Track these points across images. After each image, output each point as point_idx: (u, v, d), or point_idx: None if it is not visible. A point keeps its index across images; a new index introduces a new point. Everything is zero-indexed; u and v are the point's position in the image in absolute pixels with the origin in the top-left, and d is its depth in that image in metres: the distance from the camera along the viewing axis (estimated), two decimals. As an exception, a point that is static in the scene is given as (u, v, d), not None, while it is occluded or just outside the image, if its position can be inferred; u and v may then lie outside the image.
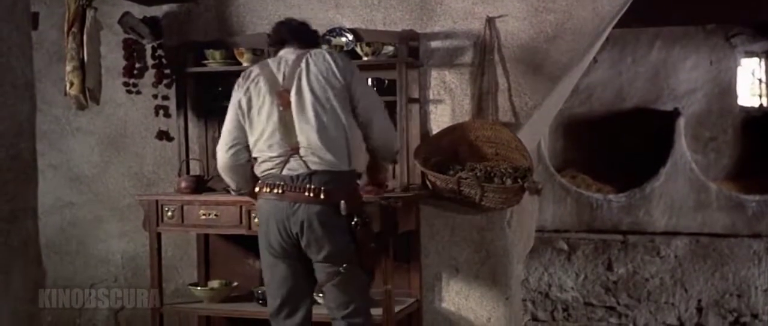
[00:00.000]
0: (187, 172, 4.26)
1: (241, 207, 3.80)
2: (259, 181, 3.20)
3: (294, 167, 3.10)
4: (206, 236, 4.35)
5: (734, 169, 8.60)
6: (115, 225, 4.67)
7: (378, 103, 3.30)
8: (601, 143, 8.52)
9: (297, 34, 3.33)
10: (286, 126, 3.12)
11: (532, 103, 4.00)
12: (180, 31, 4.43)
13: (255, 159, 3.22)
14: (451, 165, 3.87)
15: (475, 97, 4.02)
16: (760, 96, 8.93)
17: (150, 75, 4.46)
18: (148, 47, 4.44)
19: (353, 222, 3.10)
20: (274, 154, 3.13)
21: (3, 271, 1.69)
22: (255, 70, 3.26)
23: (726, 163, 8.67)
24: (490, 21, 3.96)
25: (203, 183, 4.15)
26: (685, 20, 7.98)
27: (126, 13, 4.32)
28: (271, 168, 3.14)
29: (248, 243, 4.01)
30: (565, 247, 7.78)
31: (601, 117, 8.69)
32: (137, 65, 4.49)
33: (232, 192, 3.50)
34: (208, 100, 4.28)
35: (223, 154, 3.27)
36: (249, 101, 3.19)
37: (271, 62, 3.25)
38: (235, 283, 4.21)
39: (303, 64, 3.16)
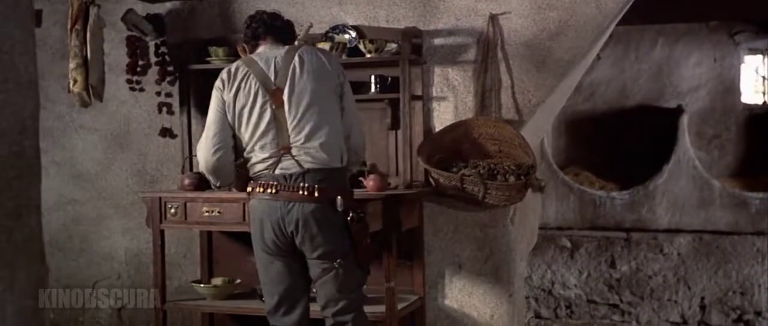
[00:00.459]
0: (191, 169, 4.25)
1: (244, 204, 3.78)
2: (252, 181, 3.18)
3: (287, 166, 3.09)
4: (209, 233, 4.35)
5: (738, 167, 8.60)
6: (118, 222, 4.68)
7: (356, 109, 3.31)
8: (605, 140, 8.52)
9: (273, 30, 3.28)
10: (279, 125, 3.10)
11: (535, 100, 3.99)
12: (183, 28, 4.43)
13: (247, 159, 3.19)
14: (454, 163, 3.87)
15: (478, 94, 4.01)
16: (764, 93, 8.92)
17: (153, 72, 4.45)
18: (151, 44, 4.44)
19: (349, 218, 3.10)
20: (267, 155, 3.11)
21: (7, 268, 1.68)
22: (242, 68, 3.18)
23: (729, 160, 8.67)
24: (493, 18, 3.96)
25: (206, 181, 4.13)
26: (689, 17, 7.97)
27: (129, 11, 4.31)
28: (264, 169, 3.12)
29: (251, 241, 4.00)
30: (569, 245, 7.78)
31: (604, 114, 8.69)
32: (140, 62, 4.48)
33: (215, 188, 3.45)
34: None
35: (209, 156, 3.18)
36: (238, 100, 3.13)
37: (259, 60, 3.18)
38: (238, 280, 4.21)
39: (296, 62, 3.13)
